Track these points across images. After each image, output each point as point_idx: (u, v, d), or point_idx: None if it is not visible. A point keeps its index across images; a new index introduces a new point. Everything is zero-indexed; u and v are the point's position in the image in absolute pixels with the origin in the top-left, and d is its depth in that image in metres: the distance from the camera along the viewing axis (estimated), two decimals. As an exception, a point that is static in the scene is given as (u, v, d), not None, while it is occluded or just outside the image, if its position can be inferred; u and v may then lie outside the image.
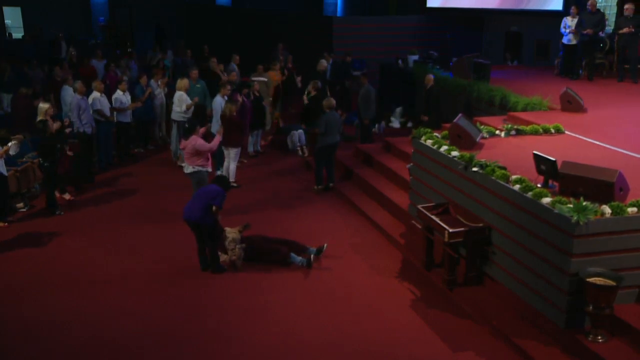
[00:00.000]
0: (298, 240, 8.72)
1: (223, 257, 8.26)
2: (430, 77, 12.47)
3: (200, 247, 8.16)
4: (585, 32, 12.94)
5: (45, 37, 23.84)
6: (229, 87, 12.03)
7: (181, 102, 12.18)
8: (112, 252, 8.82)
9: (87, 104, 11.73)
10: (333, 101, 11.07)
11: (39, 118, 10.24)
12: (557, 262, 6.11)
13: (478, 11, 18.28)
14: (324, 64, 15.39)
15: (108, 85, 13.36)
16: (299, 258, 8.33)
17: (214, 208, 7.90)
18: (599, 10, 13.40)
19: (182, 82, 12.42)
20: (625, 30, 12.65)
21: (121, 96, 12.40)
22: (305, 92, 13.03)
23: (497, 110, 11.67)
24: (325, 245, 8.59)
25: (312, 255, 8.37)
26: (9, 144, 9.53)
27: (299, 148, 13.36)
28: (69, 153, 10.77)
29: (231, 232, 8.24)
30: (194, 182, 9.47)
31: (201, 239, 8.09)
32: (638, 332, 5.80)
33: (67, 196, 10.72)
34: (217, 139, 9.66)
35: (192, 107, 12.38)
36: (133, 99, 12.69)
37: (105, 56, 17.53)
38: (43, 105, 10.37)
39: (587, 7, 13.07)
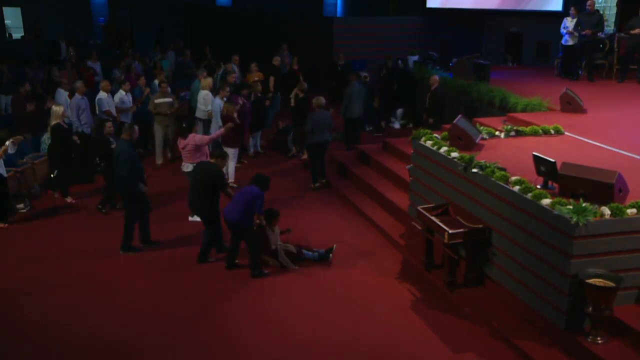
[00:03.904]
0: (300, 241, 8.80)
1: (271, 261, 8.31)
2: (436, 77, 12.29)
3: (232, 247, 8.20)
4: (584, 32, 12.92)
5: (45, 37, 23.87)
6: (227, 88, 12.09)
7: (206, 101, 12.16)
8: (112, 252, 8.82)
9: (86, 104, 11.76)
10: (322, 100, 11.10)
11: (54, 122, 10.27)
12: (557, 264, 6.12)
13: (478, 12, 18.27)
14: (366, 75, 15.07)
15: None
16: (311, 253, 8.47)
17: (255, 215, 8.00)
18: (597, 10, 13.38)
19: (207, 81, 12.44)
20: (637, 31, 12.57)
21: (124, 96, 12.44)
22: (293, 94, 13.03)
23: (497, 111, 11.68)
24: (334, 245, 8.67)
25: (329, 254, 8.47)
26: (7, 143, 9.54)
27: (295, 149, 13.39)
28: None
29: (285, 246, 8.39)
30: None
31: (236, 239, 8.14)
32: (638, 333, 5.81)
33: (69, 199, 10.71)
34: (219, 132, 10.05)
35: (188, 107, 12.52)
36: (133, 100, 12.72)
37: (104, 57, 17.55)
38: (57, 109, 10.40)
39: (586, 7, 13.06)
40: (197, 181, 8.25)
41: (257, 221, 8.14)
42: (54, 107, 10.49)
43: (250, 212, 7.90)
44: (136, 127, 8.88)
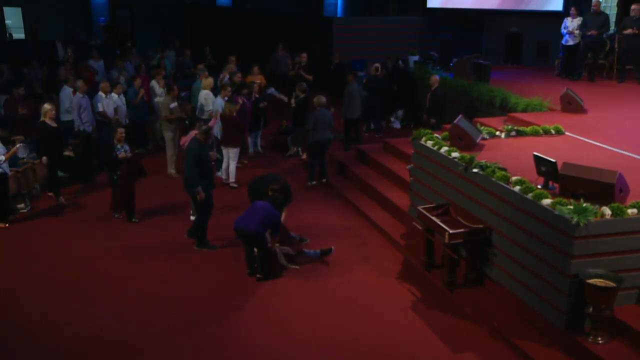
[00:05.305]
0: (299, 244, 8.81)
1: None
2: (436, 77, 12.27)
3: (248, 253, 8.12)
4: (590, 33, 12.91)
5: (43, 37, 23.84)
6: (229, 88, 12.11)
7: (207, 101, 12.15)
8: (112, 252, 8.82)
9: (88, 102, 11.74)
10: (323, 99, 11.15)
11: (40, 119, 10.27)
12: (557, 264, 6.12)
13: (478, 12, 18.27)
14: (377, 66, 14.92)
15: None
16: (312, 251, 8.51)
17: (273, 237, 8.01)
18: (603, 11, 13.36)
19: (207, 81, 12.44)
20: (629, 31, 12.58)
21: (116, 99, 12.36)
22: (293, 95, 13.03)
23: (497, 111, 11.67)
24: (307, 240, 8.88)
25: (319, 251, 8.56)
26: (18, 145, 9.58)
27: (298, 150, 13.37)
28: (69, 154, 10.78)
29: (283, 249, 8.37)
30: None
31: (250, 247, 8.08)
32: (638, 333, 5.81)
33: (61, 199, 10.70)
34: (214, 121, 10.19)
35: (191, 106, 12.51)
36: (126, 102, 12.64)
37: (104, 57, 17.51)
38: (44, 106, 10.38)
39: (592, 8, 13.04)
40: (260, 183, 8.57)
41: (270, 245, 8.06)
42: (44, 105, 10.42)
43: (267, 227, 7.88)
44: (213, 131, 9.05)
